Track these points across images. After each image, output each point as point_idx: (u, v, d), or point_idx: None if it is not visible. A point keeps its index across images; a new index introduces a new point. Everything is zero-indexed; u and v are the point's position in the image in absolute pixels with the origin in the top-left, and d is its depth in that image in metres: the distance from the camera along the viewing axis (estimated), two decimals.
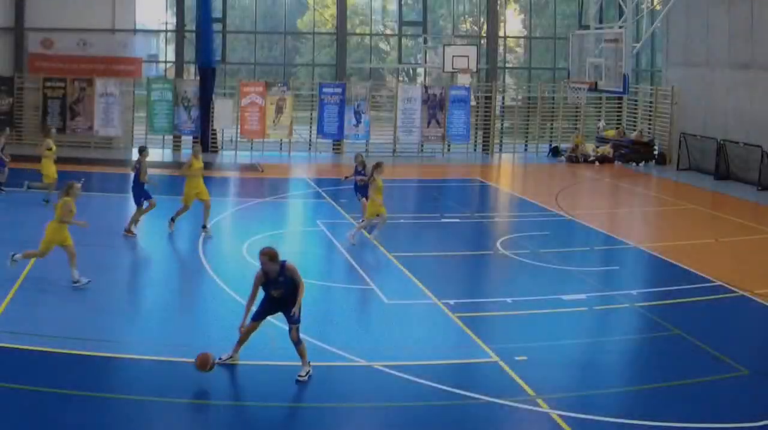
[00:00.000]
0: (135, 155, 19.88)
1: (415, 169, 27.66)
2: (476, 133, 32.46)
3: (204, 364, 9.33)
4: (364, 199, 17.60)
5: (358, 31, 35.32)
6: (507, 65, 34.87)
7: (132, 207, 17.20)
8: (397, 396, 9.25)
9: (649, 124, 31.23)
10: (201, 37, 28.77)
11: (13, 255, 12.93)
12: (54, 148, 19.63)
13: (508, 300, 12.83)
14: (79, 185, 13.22)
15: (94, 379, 9.29)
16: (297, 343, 9.56)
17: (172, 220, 16.90)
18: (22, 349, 9.93)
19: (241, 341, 9.82)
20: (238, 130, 29.64)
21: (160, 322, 11.60)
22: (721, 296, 13.44)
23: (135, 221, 16.73)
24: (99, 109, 28.78)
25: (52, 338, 10.27)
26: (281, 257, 9.48)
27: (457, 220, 19.09)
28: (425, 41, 32.63)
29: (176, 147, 30.24)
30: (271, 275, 9.46)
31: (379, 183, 16.03)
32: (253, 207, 20.04)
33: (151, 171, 25.25)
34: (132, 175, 17.09)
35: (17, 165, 24.82)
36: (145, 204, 16.81)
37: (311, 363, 9.61)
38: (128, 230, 16.52)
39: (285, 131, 29.89)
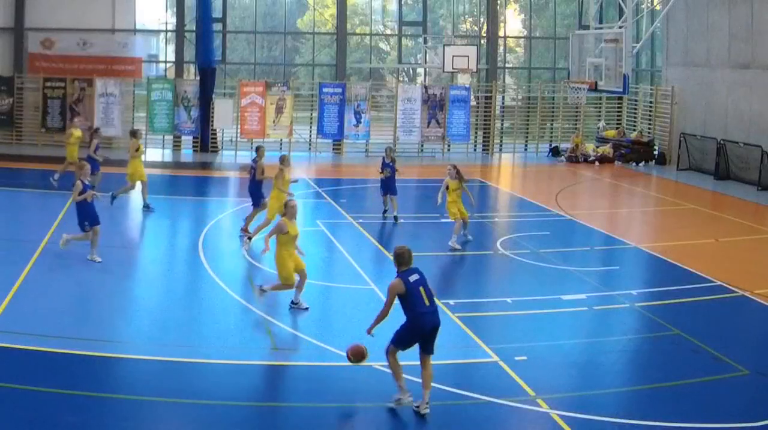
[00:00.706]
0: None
1: (415, 169, 27.65)
2: (476, 133, 32.47)
3: (359, 355, 9.00)
4: (387, 196, 18.70)
5: (358, 31, 35.34)
6: (507, 65, 34.88)
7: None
8: None
9: (649, 124, 31.23)
10: (201, 37, 28.75)
11: (261, 287, 12.31)
12: (141, 148, 19.19)
13: (508, 300, 12.83)
14: (294, 203, 12.16)
15: (94, 379, 9.29)
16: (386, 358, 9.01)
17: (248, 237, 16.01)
18: (22, 349, 9.93)
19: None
20: (238, 130, 29.63)
21: (160, 322, 11.59)
22: (721, 296, 13.44)
23: (250, 220, 16.44)
24: (99, 109, 28.77)
25: (52, 338, 10.27)
26: (397, 265, 9.00)
27: None
28: (425, 41, 32.63)
29: (176, 147, 30.26)
30: None
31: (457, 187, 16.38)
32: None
33: (151, 171, 25.25)
34: (249, 176, 16.83)
35: (19, 165, 24.91)
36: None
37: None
38: (245, 230, 16.29)
39: (285, 131, 29.89)
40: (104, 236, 16.30)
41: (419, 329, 8.85)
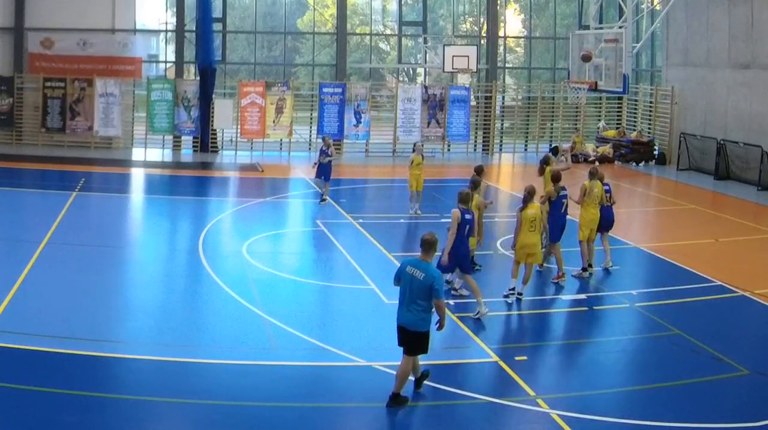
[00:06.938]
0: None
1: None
2: (476, 133, 32.47)
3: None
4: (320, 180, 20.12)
5: (358, 31, 35.34)
6: (507, 65, 34.88)
7: None
8: None
9: (649, 124, 31.23)
10: (201, 37, 28.75)
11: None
12: (416, 160, 18.99)
13: (508, 300, 12.82)
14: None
15: (94, 379, 9.29)
16: None
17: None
18: (22, 349, 9.93)
19: None
20: (238, 130, 29.64)
21: (160, 322, 11.58)
22: (721, 296, 13.43)
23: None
24: (99, 109, 28.77)
25: (52, 338, 10.27)
26: None
27: None
28: (425, 41, 32.63)
29: (176, 147, 30.26)
30: None
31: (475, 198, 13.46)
32: (253, 207, 20.03)
33: (151, 171, 25.14)
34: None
35: (19, 165, 24.90)
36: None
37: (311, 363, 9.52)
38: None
39: (285, 131, 29.90)
40: (104, 236, 16.35)
41: None
